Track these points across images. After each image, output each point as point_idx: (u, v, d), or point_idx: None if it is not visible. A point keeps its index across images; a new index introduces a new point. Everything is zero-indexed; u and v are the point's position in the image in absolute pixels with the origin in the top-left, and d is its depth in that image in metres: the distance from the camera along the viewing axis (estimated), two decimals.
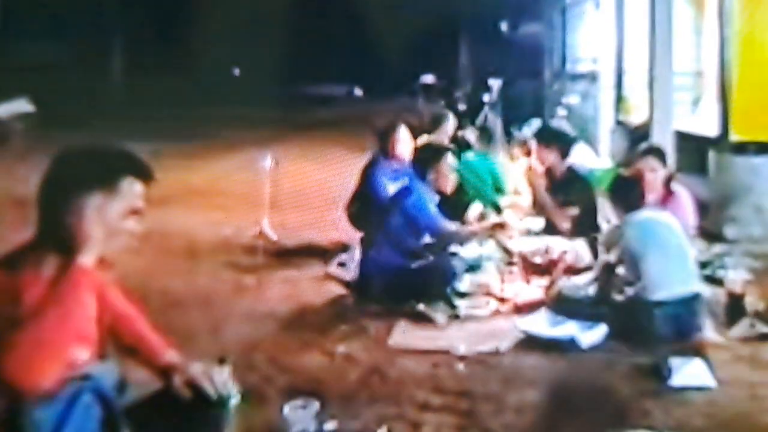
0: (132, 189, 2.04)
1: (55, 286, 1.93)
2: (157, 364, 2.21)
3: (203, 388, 2.12)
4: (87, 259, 1.97)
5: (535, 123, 9.78)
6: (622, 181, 4.58)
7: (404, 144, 5.72)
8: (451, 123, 6.80)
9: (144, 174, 2.08)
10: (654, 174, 4.98)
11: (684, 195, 5.07)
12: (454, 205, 5.31)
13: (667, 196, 5.00)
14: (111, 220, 2.00)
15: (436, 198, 4.94)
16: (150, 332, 2.29)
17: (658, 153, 5.18)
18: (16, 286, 1.90)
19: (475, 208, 5.48)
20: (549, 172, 5.47)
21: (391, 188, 5.50)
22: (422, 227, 4.78)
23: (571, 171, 5.44)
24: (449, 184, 4.96)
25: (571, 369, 3.69)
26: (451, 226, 4.90)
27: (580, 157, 6.37)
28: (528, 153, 7.50)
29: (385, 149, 5.71)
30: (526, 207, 6.11)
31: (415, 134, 6.12)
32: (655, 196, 4.95)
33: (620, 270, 4.18)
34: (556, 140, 5.55)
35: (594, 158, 8.63)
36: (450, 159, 4.96)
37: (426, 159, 5.02)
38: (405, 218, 4.73)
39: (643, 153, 5.21)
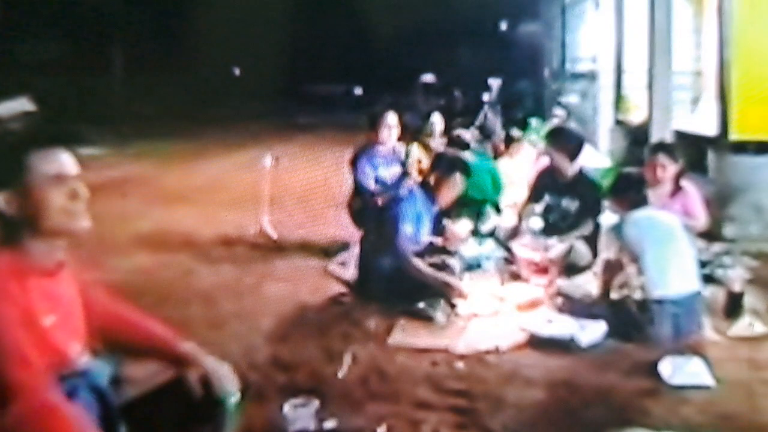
0: (50, 160, 1.96)
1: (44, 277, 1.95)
2: (173, 354, 2.19)
3: (212, 387, 2.12)
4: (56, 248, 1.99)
5: (535, 122, 9.78)
6: (625, 179, 4.59)
7: (392, 130, 5.82)
8: (438, 125, 6.88)
9: (46, 143, 1.99)
10: (663, 170, 5.01)
11: (693, 190, 5.10)
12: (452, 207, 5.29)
13: (676, 192, 5.04)
14: (53, 201, 1.95)
15: (434, 208, 4.89)
16: (152, 324, 2.27)
17: (668, 149, 5.21)
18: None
19: (464, 225, 5.40)
20: (557, 173, 5.46)
21: (383, 173, 5.65)
22: (392, 241, 4.61)
23: (581, 173, 5.43)
24: (448, 200, 4.92)
25: (570, 368, 3.69)
26: (413, 256, 4.62)
27: (584, 157, 6.33)
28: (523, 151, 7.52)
29: (373, 135, 5.81)
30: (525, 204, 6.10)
31: (408, 134, 6.22)
32: (664, 192, 4.98)
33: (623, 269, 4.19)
34: (568, 141, 5.50)
35: (596, 158, 8.62)
36: (459, 178, 4.84)
37: (435, 168, 4.98)
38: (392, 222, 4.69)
39: (654, 149, 5.23)
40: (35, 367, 1.81)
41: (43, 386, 1.80)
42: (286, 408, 3.02)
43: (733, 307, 4.25)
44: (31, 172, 1.92)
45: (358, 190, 5.72)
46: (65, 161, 1.98)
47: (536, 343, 3.95)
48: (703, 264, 4.70)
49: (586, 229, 5.19)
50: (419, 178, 5.49)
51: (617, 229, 4.25)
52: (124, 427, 2.05)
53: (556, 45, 15.57)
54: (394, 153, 5.98)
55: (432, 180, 4.88)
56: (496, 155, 7.16)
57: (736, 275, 4.64)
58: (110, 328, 2.20)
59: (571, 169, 5.34)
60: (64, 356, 1.94)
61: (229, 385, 2.14)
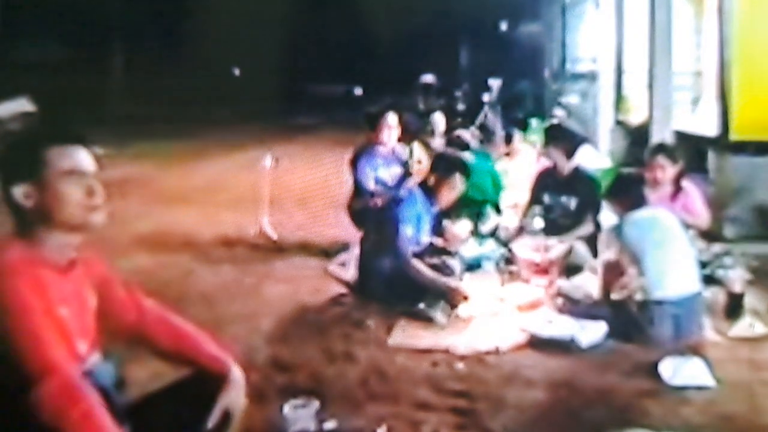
0: (68, 155, 1.99)
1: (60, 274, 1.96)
2: (211, 370, 2.23)
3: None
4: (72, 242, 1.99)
5: (535, 122, 9.77)
6: (623, 179, 4.59)
7: (392, 130, 5.82)
8: (438, 125, 6.89)
9: (64, 138, 2.02)
10: (664, 171, 5.01)
11: (693, 191, 5.10)
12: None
13: (677, 193, 5.03)
14: (70, 195, 1.96)
15: (434, 209, 4.88)
16: (186, 327, 2.32)
17: (668, 151, 5.21)
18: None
19: (464, 225, 5.41)
20: (555, 171, 5.46)
21: (383, 173, 5.66)
22: (392, 241, 4.59)
23: (578, 170, 5.43)
24: (448, 201, 4.91)
25: (570, 368, 3.69)
26: (412, 258, 4.58)
27: (584, 157, 6.36)
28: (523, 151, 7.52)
29: (373, 135, 5.80)
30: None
31: (408, 135, 6.22)
32: (665, 194, 4.98)
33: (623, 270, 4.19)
34: (564, 139, 5.52)
35: (596, 158, 8.62)
36: (458, 179, 4.83)
37: (435, 169, 4.96)
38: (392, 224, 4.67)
39: (653, 151, 5.23)
40: (62, 348, 1.84)
41: (72, 366, 1.83)
42: (286, 409, 3.01)
43: (734, 307, 4.24)
44: (49, 166, 1.95)
45: (358, 190, 5.72)
46: (83, 157, 2.02)
47: (537, 343, 3.94)
48: (703, 264, 4.69)
49: (587, 229, 5.19)
50: (419, 179, 5.49)
51: (617, 230, 4.25)
52: (128, 428, 2.05)
53: (556, 45, 15.57)
54: (394, 153, 5.98)
55: (432, 181, 4.87)
56: (499, 155, 7.17)
57: (737, 276, 4.62)
58: (136, 327, 2.23)
59: (568, 166, 5.36)
60: (75, 351, 1.95)
61: (241, 400, 2.18)
